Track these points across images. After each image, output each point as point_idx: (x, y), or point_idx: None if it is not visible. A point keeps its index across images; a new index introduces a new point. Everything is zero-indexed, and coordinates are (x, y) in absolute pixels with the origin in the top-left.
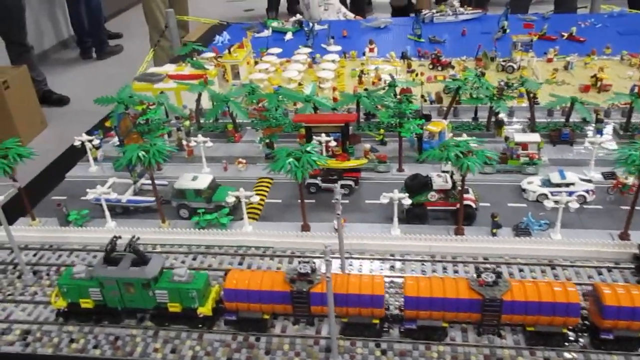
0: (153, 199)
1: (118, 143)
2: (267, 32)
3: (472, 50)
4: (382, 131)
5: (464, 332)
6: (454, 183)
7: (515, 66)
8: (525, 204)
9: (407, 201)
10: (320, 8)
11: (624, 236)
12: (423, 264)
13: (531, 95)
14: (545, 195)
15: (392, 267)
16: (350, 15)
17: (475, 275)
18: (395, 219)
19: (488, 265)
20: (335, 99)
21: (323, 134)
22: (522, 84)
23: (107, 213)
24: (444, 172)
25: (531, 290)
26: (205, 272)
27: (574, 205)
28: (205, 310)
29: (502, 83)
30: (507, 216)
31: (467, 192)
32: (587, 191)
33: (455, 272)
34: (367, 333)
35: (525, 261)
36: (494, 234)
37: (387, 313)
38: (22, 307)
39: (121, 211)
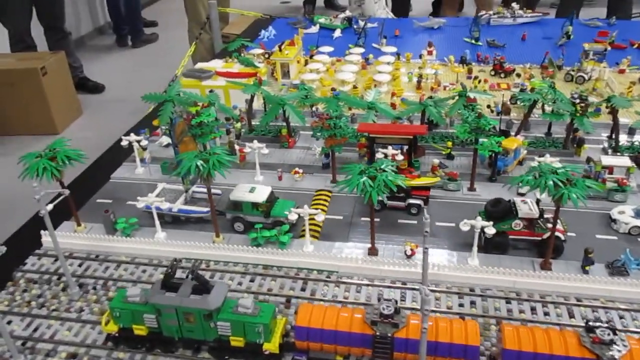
0: (206, 209)
1: (165, 143)
2: (314, 29)
3: (534, 57)
4: (449, 144)
5: None
6: (541, 211)
7: (586, 77)
8: (616, 237)
9: (491, 230)
10: (375, 5)
11: None
12: (508, 302)
13: (617, 113)
14: None
15: (473, 304)
16: (391, 14)
17: (586, 330)
18: (475, 248)
19: (598, 316)
20: (393, 105)
21: (389, 146)
22: (609, 100)
23: (157, 223)
24: (520, 194)
25: None
26: (272, 304)
27: None
28: (271, 347)
29: (575, 95)
30: (596, 249)
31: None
32: None
33: (546, 314)
34: None
35: (626, 306)
36: (585, 271)
37: None
38: (68, 326)
39: (170, 220)
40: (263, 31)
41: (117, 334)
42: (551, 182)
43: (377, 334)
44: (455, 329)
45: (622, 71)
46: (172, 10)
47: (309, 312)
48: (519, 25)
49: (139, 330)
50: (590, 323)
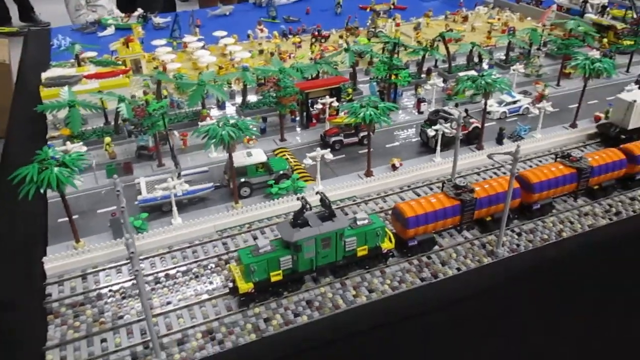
0: (210, 184)
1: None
2: (109, 30)
3: (331, 24)
4: (350, 91)
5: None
6: (466, 111)
7: (384, 31)
8: (494, 122)
9: (449, 130)
10: (77, 12)
11: (575, 125)
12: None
13: (448, 45)
14: (505, 112)
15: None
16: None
17: (562, 157)
18: (439, 148)
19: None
20: None
21: (327, 97)
22: (441, 35)
23: (174, 209)
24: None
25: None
26: (374, 214)
27: (550, 108)
28: (388, 244)
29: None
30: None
31: (472, 117)
32: (529, 103)
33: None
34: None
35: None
36: (501, 143)
37: None
38: (177, 314)
39: (168, 208)
40: (55, 41)
41: (254, 291)
42: (484, 82)
43: (466, 200)
44: (502, 183)
45: (398, 24)
46: None
47: (409, 206)
48: (295, 3)
49: (276, 276)
50: (560, 152)
